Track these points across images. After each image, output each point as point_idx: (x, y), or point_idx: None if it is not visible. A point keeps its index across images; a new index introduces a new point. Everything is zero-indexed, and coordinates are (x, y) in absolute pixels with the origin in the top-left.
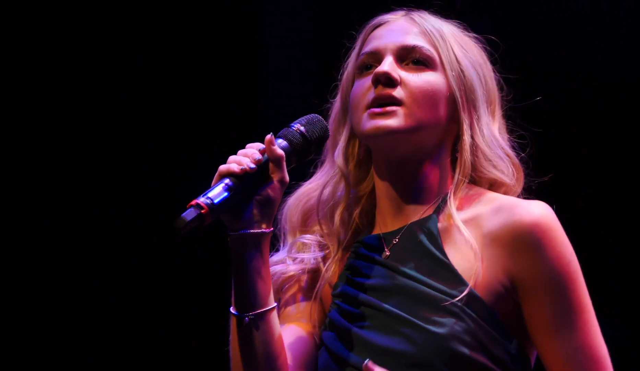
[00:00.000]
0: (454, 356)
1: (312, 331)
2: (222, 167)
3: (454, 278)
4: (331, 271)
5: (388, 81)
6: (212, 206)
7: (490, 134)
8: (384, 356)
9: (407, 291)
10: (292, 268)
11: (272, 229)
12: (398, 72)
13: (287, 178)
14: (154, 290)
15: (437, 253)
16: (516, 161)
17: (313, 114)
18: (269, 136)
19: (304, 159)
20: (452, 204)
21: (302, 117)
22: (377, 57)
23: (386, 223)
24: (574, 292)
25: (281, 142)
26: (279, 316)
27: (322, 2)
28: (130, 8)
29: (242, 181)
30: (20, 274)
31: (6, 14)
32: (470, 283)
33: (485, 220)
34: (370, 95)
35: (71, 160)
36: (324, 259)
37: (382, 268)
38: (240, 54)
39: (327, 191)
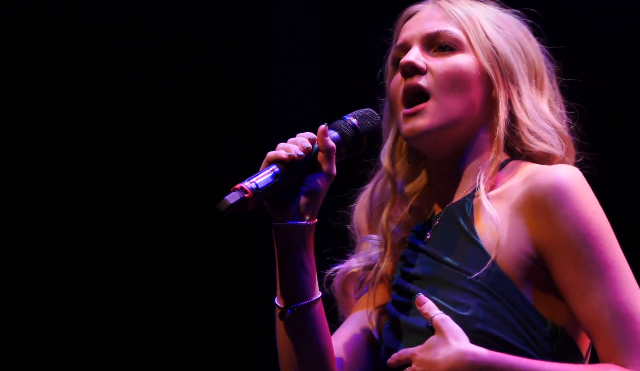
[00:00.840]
0: (481, 336)
1: (366, 327)
2: (271, 153)
3: (480, 254)
4: (384, 267)
5: (413, 70)
6: (256, 191)
7: (533, 106)
8: (422, 340)
9: (439, 277)
10: (354, 266)
11: (316, 221)
12: (423, 60)
13: (335, 171)
14: (157, 290)
15: (470, 232)
16: (564, 133)
17: (367, 108)
18: (323, 126)
19: (355, 153)
20: (481, 181)
21: (357, 111)
22: (406, 48)
23: (436, 210)
24: (596, 250)
25: (332, 133)
26: (347, 314)
27: (328, 4)
28: (137, 14)
29: (290, 168)
30: (20, 274)
31: (6, 14)
32: (492, 256)
33: (514, 191)
34: (402, 87)
35: (78, 161)
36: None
37: (423, 255)
38: (247, 55)
39: (377, 191)
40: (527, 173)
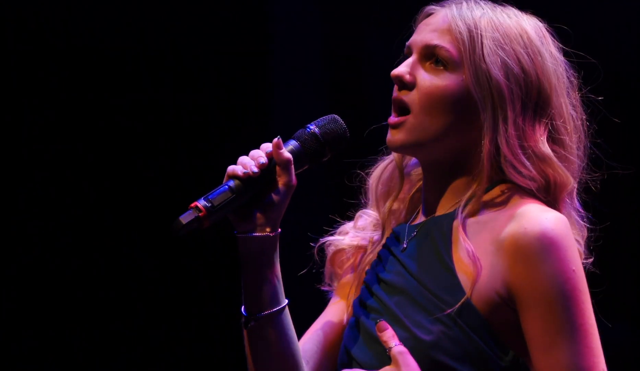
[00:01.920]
0: (435, 365)
1: (345, 313)
2: (230, 169)
3: (455, 286)
4: (372, 256)
5: (401, 83)
6: (210, 209)
7: (515, 136)
8: (378, 350)
9: (408, 292)
10: (345, 242)
11: (278, 231)
12: (414, 74)
13: (295, 182)
14: (160, 291)
15: (444, 255)
16: (552, 162)
17: (332, 115)
18: (276, 140)
19: (318, 161)
20: (460, 208)
21: (321, 118)
22: (410, 52)
23: (418, 216)
24: (568, 310)
25: (293, 143)
26: (334, 287)
27: (329, 3)
28: (139, 12)
29: (246, 184)
30: (19, 274)
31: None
32: (467, 293)
33: (498, 225)
34: (393, 95)
35: (78, 160)
36: (373, 241)
37: (396, 262)
38: (249, 55)
39: (386, 173)
40: (514, 210)
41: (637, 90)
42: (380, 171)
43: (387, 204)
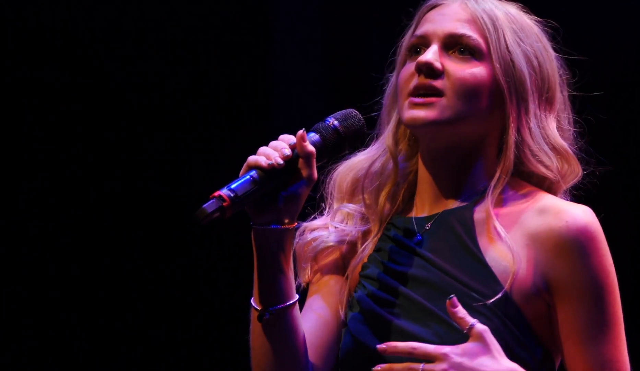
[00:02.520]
0: None
1: (337, 309)
2: (251, 159)
3: (488, 277)
4: (369, 250)
5: (430, 71)
6: (234, 200)
7: (537, 127)
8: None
9: (437, 284)
10: (332, 239)
11: (295, 224)
12: (441, 62)
13: (316, 176)
14: (161, 289)
15: (472, 246)
16: (568, 152)
17: (350, 109)
18: (301, 131)
19: (337, 155)
20: (489, 199)
21: (338, 112)
22: (425, 41)
23: (423, 208)
24: (609, 304)
25: (313, 136)
26: (310, 283)
27: (330, 5)
28: (140, 12)
29: (269, 175)
30: (18, 274)
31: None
32: (506, 286)
33: (527, 219)
34: (414, 82)
35: (79, 160)
36: (364, 234)
37: (413, 255)
38: (249, 52)
39: (376, 165)
40: (540, 203)
41: (621, 88)
42: (368, 163)
43: (382, 196)
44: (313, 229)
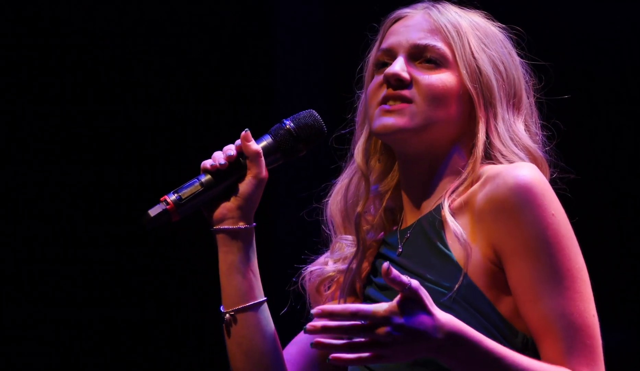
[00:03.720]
0: None
1: None
2: (202, 163)
3: (453, 270)
4: (356, 270)
5: (398, 82)
6: (178, 203)
7: (506, 130)
8: None
9: None
10: (329, 269)
11: (252, 225)
12: (409, 72)
13: (264, 174)
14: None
15: (439, 245)
16: (537, 154)
17: (308, 110)
18: (244, 132)
19: (293, 157)
20: (445, 197)
21: (297, 113)
22: (391, 54)
23: (406, 219)
24: (556, 257)
25: (266, 138)
26: None
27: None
28: (143, 11)
29: (216, 177)
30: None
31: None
32: (464, 268)
33: (475, 196)
34: (382, 93)
35: (80, 160)
36: (361, 259)
37: (395, 267)
38: (252, 53)
39: (351, 189)
40: (485, 175)
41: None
42: (344, 188)
43: (356, 216)
44: (313, 266)
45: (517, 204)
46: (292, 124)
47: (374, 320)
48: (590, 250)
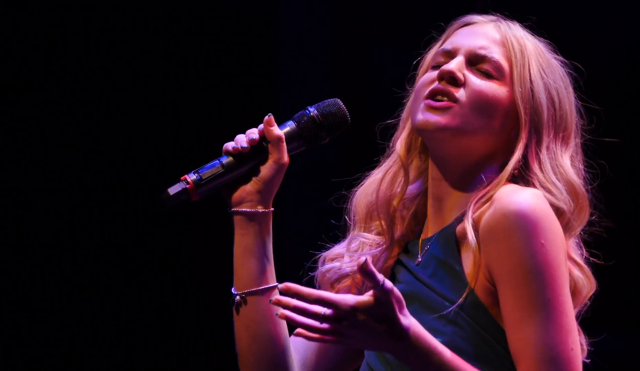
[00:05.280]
0: None
1: None
2: (225, 145)
3: (460, 283)
4: (382, 265)
5: (451, 79)
6: (197, 182)
7: (549, 159)
8: (395, 366)
9: (422, 299)
10: (346, 267)
11: (270, 209)
12: (463, 72)
13: (285, 159)
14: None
15: (452, 261)
16: (580, 189)
17: (334, 99)
18: (267, 117)
19: (315, 144)
20: (469, 211)
21: (323, 101)
22: (451, 55)
23: (428, 228)
24: (538, 286)
25: (289, 124)
26: None
27: (337, 7)
28: (149, 12)
29: (238, 159)
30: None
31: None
32: (471, 284)
33: (482, 218)
34: (432, 86)
35: (81, 159)
36: (379, 259)
37: (411, 276)
38: (255, 50)
39: (385, 181)
40: (495, 196)
41: None
42: (380, 177)
43: (390, 212)
44: (331, 259)
45: (508, 229)
46: (316, 112)
47: (337, 310)
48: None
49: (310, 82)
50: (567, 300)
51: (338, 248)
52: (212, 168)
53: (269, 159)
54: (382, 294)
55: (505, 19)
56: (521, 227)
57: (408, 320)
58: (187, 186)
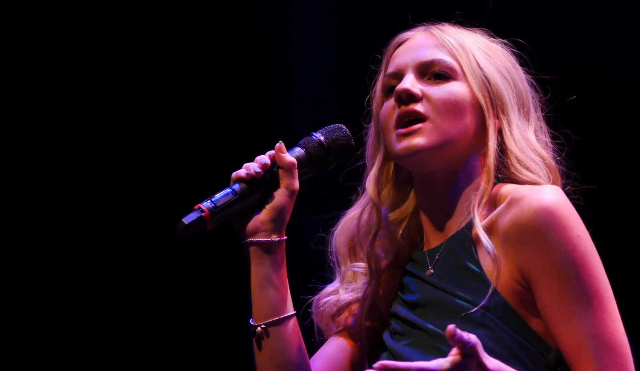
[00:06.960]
0: None
1: (355, 350)
2: (234, 173)
3: (483, 285)
4: (371, 294)
5: (409, 97)
6: (213, 210)
7: (521, 137)
8: None
9: (443, 305)
10: (344, 297)
11: (284, 238)
12: (419, 87)
13: (297, 186)
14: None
15: (472, 265)
16: (551, 163)
17: (337, 124)
18: (278, 144)
19: (323, 169)
20: (475, 214)
21: (326, 127)
22: (399, 76)
23: (430, 240)
24: (581, 278)
25: (298, 150)
26: (331, 338)
27: (345, 15)
28: (159, 15)
29: (250, 186)
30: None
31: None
32: (493, 283)
33: (501, 218)
34: (396, 113)
35: (83, 159)
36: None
37: (425, 285)
38: (265, 64)
39: (364, 219)
40: (509, 198)
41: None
42: (357, 218)
43: (368, 245)
44: (326, 296)
45: (543, 227)
46: (322, 137)
47: None
48: (608, 259)
49: (318, 100)
50: (609, 287)
51: (331, 286)
52: (225, 196)
53: (281, 186)
54: (471, 349)
55: (433, 24)
56: (555, 223)
57: (492, 362)
58: (203, 214)
